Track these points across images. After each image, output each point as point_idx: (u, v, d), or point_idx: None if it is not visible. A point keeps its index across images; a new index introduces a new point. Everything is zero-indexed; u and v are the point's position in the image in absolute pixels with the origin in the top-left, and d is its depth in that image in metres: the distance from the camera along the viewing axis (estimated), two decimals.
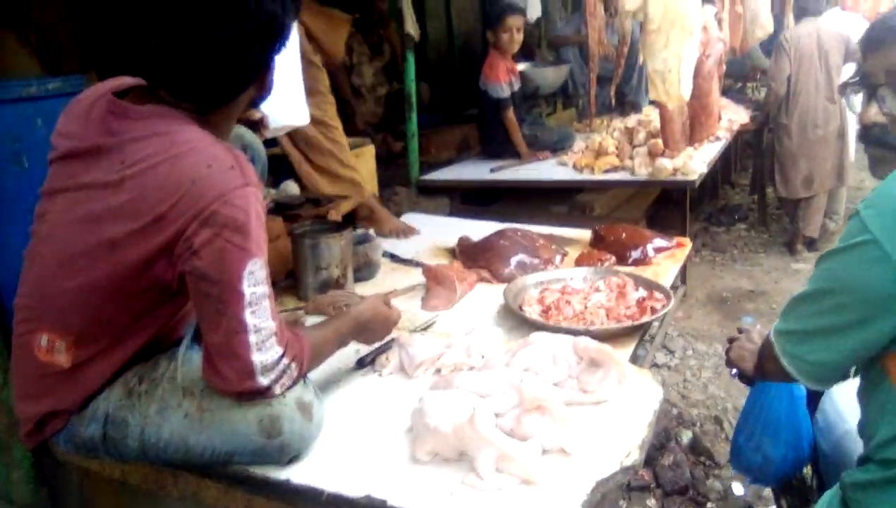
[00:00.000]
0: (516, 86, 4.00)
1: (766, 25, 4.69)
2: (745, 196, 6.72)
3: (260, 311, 1.27)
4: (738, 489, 2.70)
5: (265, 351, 1.29)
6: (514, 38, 3.83)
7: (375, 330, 1.70)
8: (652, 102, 2.79)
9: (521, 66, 4.26)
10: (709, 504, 2.63)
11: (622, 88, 5.00)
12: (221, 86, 1.33)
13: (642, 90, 5.14)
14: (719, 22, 3.37)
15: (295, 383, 1.36)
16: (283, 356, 1.32)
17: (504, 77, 3.85)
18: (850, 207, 5.84)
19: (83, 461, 1.54)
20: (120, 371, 1.40)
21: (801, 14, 4.89)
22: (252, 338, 1.27)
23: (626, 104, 5.16)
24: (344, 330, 1.59)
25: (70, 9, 3.51)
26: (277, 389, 1.32)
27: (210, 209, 1.22)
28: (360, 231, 2.57)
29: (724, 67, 3.89)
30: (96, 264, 1.28)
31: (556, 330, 1.85)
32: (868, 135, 1.39)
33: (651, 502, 2.59)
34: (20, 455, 1.69)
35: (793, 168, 4.96)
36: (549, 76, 4.41)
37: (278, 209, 2.61)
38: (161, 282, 1.30)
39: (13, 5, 3.15)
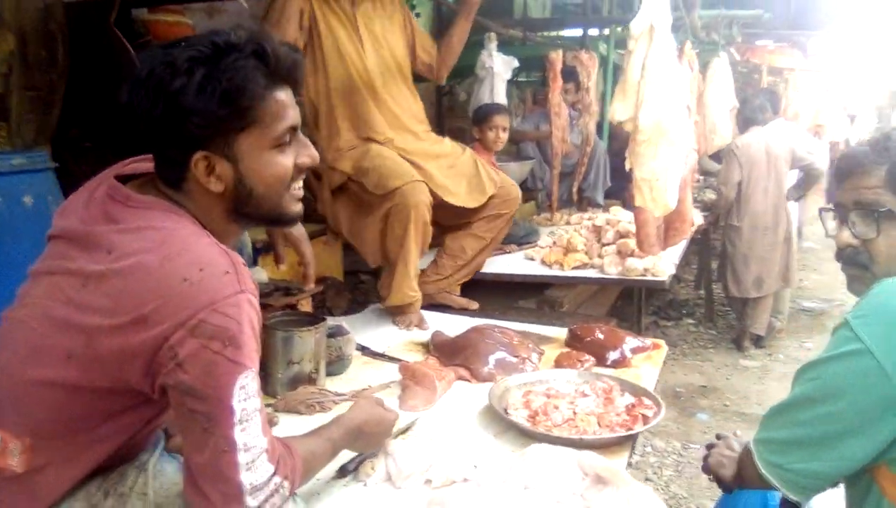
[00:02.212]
0: None
1: (724, 135, 4.93)
2: (690, 291, 6.88)
3: (251, 428, 1.16)
4: None
5: (255, 471, 1.17)
6: (500, 136, 3.94)
7: (371, 434, 1.59)
8: (633, 205, 2.84)
9: None
10: None
11: (580, 185, 5.14)
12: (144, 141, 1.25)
13: (599, 186, 5.29)
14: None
15: (285, 502, 1.24)
16: (274, 474, 1.20)
17: None
18: (793, 306, 6.06)
19: None
20: (81, 483, 1.24)
21: (747, 124, 5.16)
22: (241, 458, 1.15)
23: (583, 200, 5.29)
24: (337, 439, 1.47)
25: (25, 79, 3.41)
26: None
27: (198, 317, 1.11)
28: (332, 322, 2.47)
29: (697, 175, 4.03)
30: (69, 358, 1.16)
31: (548, 438, 1.77)
32: (842, 255, 1.46)
33: None
34: None
35: (745, 269, 5.13)
36: (514, 171, 4.46)
37: None
38: (135, 388, 1.18)
39: None
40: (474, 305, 3.17)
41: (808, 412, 1.26)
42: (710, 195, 5.57)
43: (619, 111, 2.45)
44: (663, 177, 2.37)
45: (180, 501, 1.23)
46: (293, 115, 1.28)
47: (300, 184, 1.36)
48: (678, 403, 4.45)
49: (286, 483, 1.23)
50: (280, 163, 1.27)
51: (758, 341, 5.31)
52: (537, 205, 5.38)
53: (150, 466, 1.28)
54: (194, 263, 1.15)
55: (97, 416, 1.21)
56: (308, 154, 1.33)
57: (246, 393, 1.15)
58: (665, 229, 2.87)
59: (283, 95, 1.26)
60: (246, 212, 1.30)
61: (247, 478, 1.15)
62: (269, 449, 1.20)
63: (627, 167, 2.48)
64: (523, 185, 5.22)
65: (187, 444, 1.17)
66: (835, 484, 1.63)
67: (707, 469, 1.70)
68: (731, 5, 5.76)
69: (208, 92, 1.17)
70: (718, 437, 1.73)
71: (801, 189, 5.38)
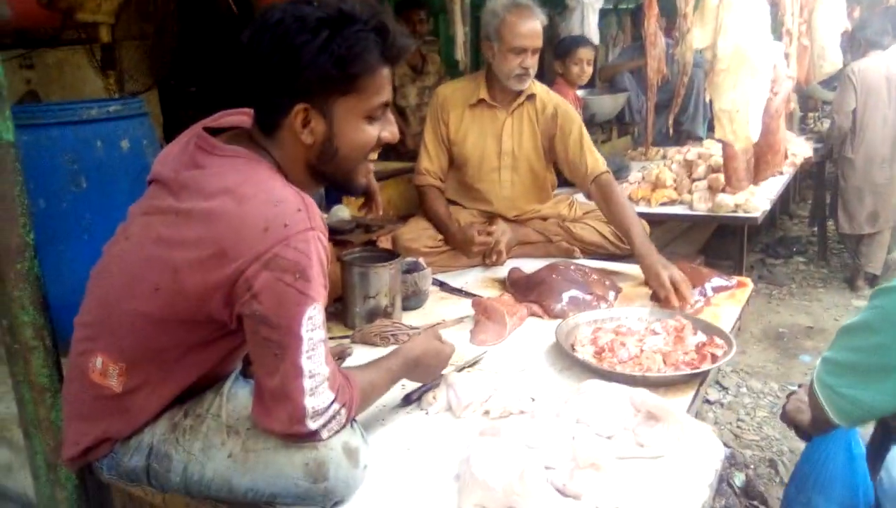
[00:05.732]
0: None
1: (834, 61, 4.53)
2: (803, 227, 6.52)
3: (316, 356, 1.26)
4: None
5: (317, 396, 1.27)
6: (584, 70, 3.84)
7: (428, 366, 1.66)
8: (715, 138, 2.70)
9: (579, 93, 4.19)
10: None
11: (678, 118, 4.90)
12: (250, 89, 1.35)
13: (699, 119, 5.05)
14: (787, 57, 3.26)
15: (343, 428, 1.34)
16: (334, 401, 1.30)
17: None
18: None
19: (126, 485, 1.53)
20: (169, 404, 1.40)
21: (868, 47, 4.73)
22: (307, 384, 1.25)
23: (681, 133, 5.06)
24: (395, 370, 1.56)
25: (135, 28, 3.60)
26: (325, 434, 1.30)
27: (272, 251, 1.21)
28: (409, 259, 2.54)
29: (792, 105, 3.77)
30: (157, 290, 1.29)
31: (611, 374, 1.78)
32: None
33: None
34: (65, 475, 1.69)
35: (858, 203, 4.80)
36: (607, 104, 4.34)
37: (329, 234, 2.59)
38: (216, 319, 1.29)
39: (80, 24, 3.23)
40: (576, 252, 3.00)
41: (865, 338, 1.22)
42: (825, 125, 5.20)
43: (697, 38, 2.31)
44: (744, 109, 2.22)
45: (249, 423, 1.35)
46: (389, 92, 1.39)
47: (375, 157, 1.47)
48: (780, 344, 4.29)
49: (343, 411, 1.33)
50: (368, 132, 1.38)
51: (873, 280, 4.98)
52: (633, 139, 5.21)
53: (225, 390, 1.42)
54: (269, 201, 1.25)
55: (183, 347, 1.36)
56: (391, 130, 1.43)
57: (313, 324, 1.25)
58: (756, 163, 2.71)
59: (387, 72, 1.36)
60: (324, 169, 1.40)
61: (310, 402, 1.26)
62: (331, 378, 1.30)
63: (707, 98, 2.35)
64: (618, 118, 5.09)
65: (260, 369, 1.29)
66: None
67: (785, 416, 1.67)
68: None
69: (327, 53, 1.27)
70: (800, 386, 1.70)
71: None
